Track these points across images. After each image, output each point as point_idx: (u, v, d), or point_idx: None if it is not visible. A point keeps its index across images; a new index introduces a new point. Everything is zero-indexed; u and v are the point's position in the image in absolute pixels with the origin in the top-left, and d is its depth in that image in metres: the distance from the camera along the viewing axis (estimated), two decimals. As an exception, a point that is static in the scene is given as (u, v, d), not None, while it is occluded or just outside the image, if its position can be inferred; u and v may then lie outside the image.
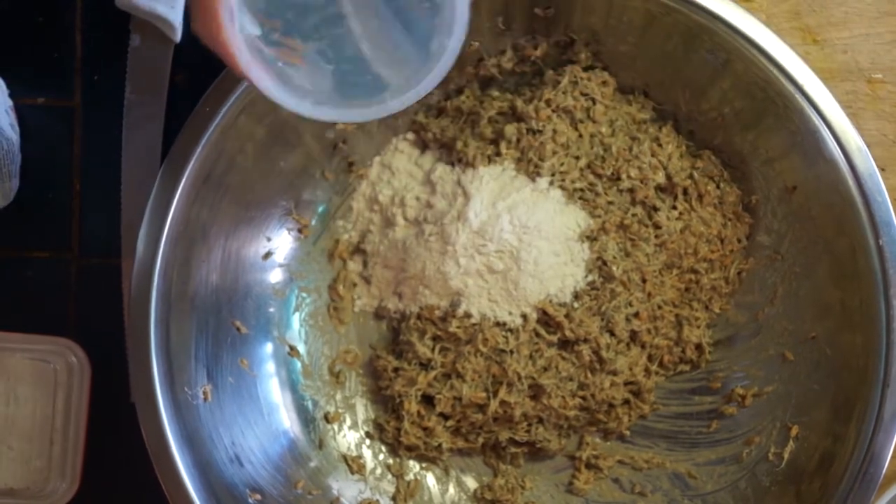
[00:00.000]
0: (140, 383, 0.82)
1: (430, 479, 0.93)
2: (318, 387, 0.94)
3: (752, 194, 0.91)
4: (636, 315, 0.90)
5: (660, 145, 0.91)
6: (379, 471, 0.93)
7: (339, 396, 0.94)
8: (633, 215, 0.90)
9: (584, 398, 0.90)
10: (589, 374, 0.90)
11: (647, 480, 0.92)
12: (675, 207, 0.91)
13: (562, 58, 0.92)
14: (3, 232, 0.96)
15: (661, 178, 0.91)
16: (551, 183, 0.89)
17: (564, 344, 0.90)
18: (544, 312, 0.89)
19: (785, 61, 0.83)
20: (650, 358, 0.92)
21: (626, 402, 0.92)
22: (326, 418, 0.94)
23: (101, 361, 0.93)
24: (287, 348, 0.93)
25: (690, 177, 0.91)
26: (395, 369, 0.92)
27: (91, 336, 0.94)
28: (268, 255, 0.93)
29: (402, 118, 0.92)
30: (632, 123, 0.92)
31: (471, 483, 0.93)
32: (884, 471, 0.80)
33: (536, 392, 0.90)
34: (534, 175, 0.89)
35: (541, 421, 0.91)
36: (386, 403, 0.94)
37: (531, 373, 0.89)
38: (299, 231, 0.94)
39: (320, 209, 0.95)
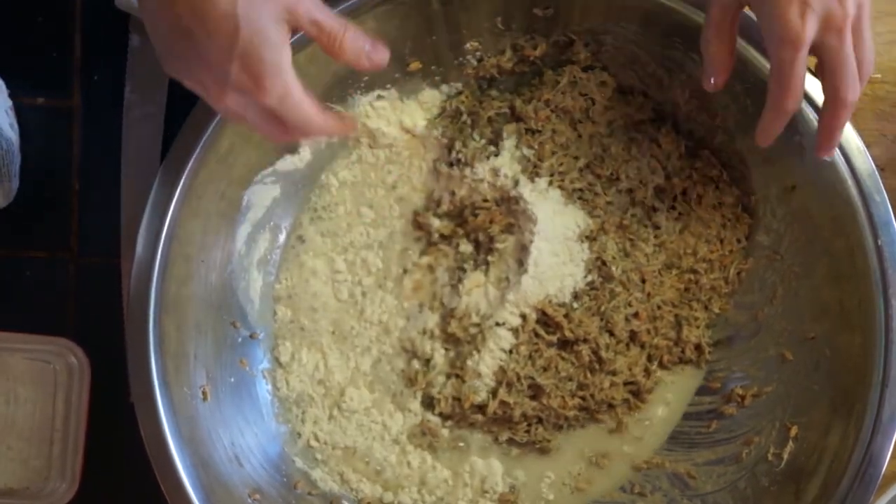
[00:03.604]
0: (139, 383, 0.82)
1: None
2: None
3: (752, 194, 0.91)
4: (635, 315, 0.90)
5: (659, 146, 0.91)
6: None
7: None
8: (633, 216, 0.90)
9: (583, 398, 0.90)
10: (588, 374, 0.90)
11: (647, 480, 0.92)
12: (674, 208, 0.91)
13: (561, 58, 0.92)
14: (2, 232, 0.96)
15: (660, 178, 0.91)
16: (550, 183, 0.89)
17: (564, 344, 0.90)
18: (544, 313, 0.89)
19: (784, 61, 0.83)
20: (650, 358, 0.92)
21: (626, 401, 0.92)
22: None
23: (100, 361, 0.94)
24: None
25: (689, 177, 0.91)
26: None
27: (90, 336, 0.94)
28: (268, 251, 0.93)
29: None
30: (631, 124, 0.92)
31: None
32: (882, 471, 0.80)
33: (536, 392, 0.90)
34: (533, 175, 0.89)
35: (540, 421, 0.91)
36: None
37: (530, 373, 0.89)
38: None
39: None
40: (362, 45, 0.72)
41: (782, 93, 0.75)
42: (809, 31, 0.72)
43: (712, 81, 0.80)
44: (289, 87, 0.70)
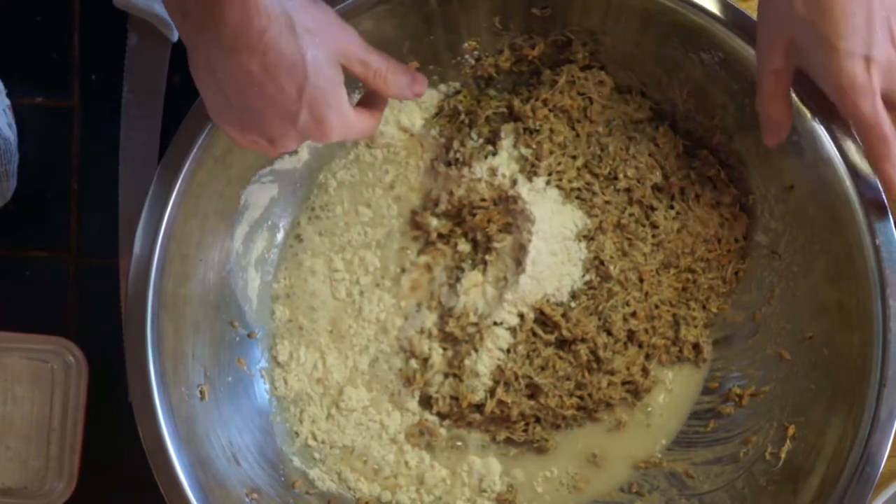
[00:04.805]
0: (137, 382, 0.81)
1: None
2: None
3: (750, 194, 0.91)
4: (633, 314, 0.90)
5: (657, 145, 0.91)
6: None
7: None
8: (631, 215, 0.90)
9: (581, 398, 0.90)
10: (586, 374, 0.90)
11: (645, 480, 0.92)
12: (672, 207, 0.91)
13: (559, 57, 0.92)
14: (1, 232, 0.96)
15: (658, 177, 0.91)
16: (548, 182, 0.89)
17: (562, 343, 0.90)
18: (542, 312, 0.89)
19: (782, 61, 0.83)
20: (648, 357, 0.92)
21: (624, 401, 0.92)
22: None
23: (98, 361, 0.94)
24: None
25: (687, 176, 0.91)
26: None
27: (89, 335, 0.94)
28: (265, 251, 0.93)
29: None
30: (629, 123, 0.92)
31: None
32: (880, 470, 0.80)
33: (534, 392, 0.90)
34: (531, 174, 0.89)
35: (538, 420, 0.91)
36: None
37: (528, 372, 0.89)
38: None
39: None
40: (404, 79, 0.78)
41: (882, 141, 0.76)
42: (876, 81, 0.74)
43: (775, 140, 0.81)
44: (348, 120, 0.75)
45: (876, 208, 0.81)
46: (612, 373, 0.90)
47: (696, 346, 0.92)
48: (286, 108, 0.72)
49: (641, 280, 0.90)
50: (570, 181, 0.89)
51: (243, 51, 0.70)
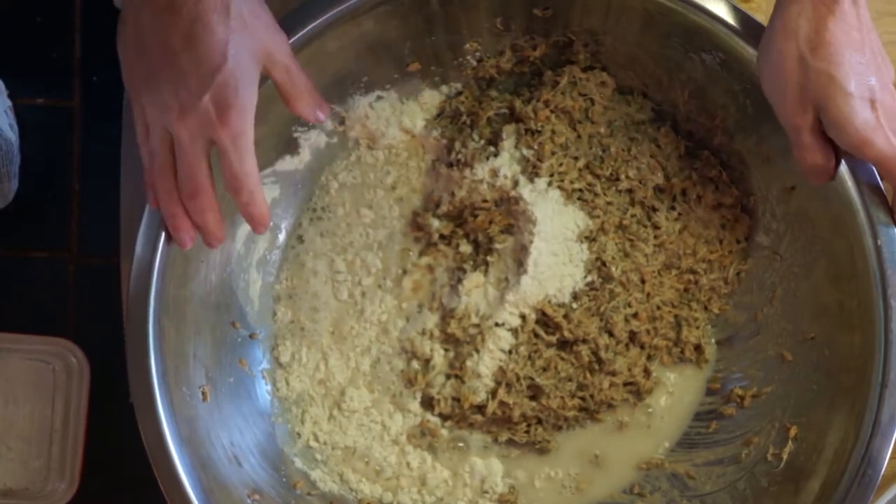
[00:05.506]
0: (138, 383, 0.81)
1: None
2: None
3: (751, 195, 0.91)
4: (635, 315, 0.90)
5: (658, 146, 0.91)
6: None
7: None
8: (632, 216, 0.90)
9: (583, 399, 0.90)
10: (588, 375, 0.90)
11: (646, 481, 0.92)
12: (673, 208, 0.91)
13: (560, 58, 0.92)
14: (1, 232, 0.96)
15: (659, 178, 0.91)
16: (550, 183, 0.89)
17: (563, 344, 0.90)
18: (543, 313, 0.89)
19: (783, 62, 0.83)
20: (649, 358, 0.92)
21: (626, 402, 0.92)
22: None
23: (100, 362, 0.94)
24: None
25: (689, 177, 0.91)
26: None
27: (90, 336, 0.94)
28: (267, 252, 0.93)
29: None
30: (630, 124, 0.92)
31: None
32: (882, 472, 0.80)
33: (535, 393, 0.90)
34: (532, 175, 0.89)
35: (540, 421, 0.91)
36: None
37: (530, 373, 0.89)
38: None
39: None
40: (315, 99, 0.77)
41: None
42: (884, 120, 0.76)
43: (826, 180, 0.81)
44: (247, 129, 0.71)
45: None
46: (613, 374, 0.90)
47: (697, 347, 0.92)
48: (192, 85, 0.70)
49: (643, 281, 0.90)
50: (571, 182, 0.89)
51: (171, 13, 0.69)
